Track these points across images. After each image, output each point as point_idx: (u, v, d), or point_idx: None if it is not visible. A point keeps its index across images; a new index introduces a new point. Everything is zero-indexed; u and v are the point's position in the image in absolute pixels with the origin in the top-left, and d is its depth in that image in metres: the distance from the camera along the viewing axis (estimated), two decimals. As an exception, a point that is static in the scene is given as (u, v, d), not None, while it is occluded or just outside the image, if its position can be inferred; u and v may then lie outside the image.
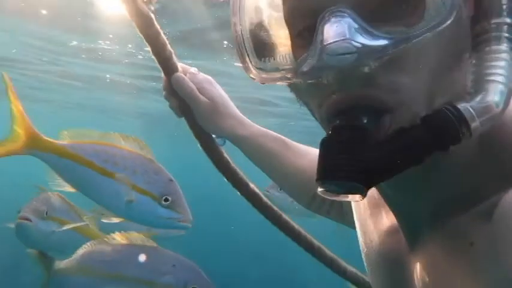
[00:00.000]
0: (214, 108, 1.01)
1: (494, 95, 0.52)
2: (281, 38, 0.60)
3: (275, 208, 1.09)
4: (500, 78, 0.53)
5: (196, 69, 1.04)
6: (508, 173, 0.53)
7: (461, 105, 0.52)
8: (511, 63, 0.53)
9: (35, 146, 1.68)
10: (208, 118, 1.02)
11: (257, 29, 0.61)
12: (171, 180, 1.89)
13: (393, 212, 0.65)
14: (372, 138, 0.52)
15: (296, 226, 1.11)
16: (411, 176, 0.54)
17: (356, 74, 0.51)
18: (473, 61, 0.56)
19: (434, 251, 0.57)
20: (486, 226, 0.50)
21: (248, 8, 0.60)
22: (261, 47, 0.60)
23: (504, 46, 0.54)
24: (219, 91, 1.06)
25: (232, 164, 1.07)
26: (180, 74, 1.00)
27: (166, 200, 1.84)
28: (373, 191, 0.67)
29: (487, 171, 0.55)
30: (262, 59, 0.60)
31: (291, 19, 0.59)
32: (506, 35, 0.54)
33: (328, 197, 0.55)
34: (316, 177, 0.54)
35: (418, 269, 0.60)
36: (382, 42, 0.50)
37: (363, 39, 0.50)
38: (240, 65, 0.61)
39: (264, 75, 0.59)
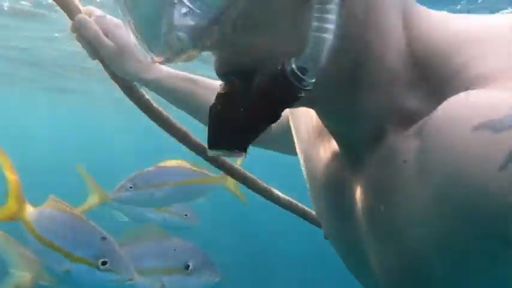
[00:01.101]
0: (120, 52, 0.98)
1: (315, 47, 0.48)
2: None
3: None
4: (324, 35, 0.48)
5: (101, 11, 1.00)
6: (435, 87, 0.52)
7: (288, 67, 0.49)
8: (336, 27, 0.48)
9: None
10: (115, 62, 0.99)
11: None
12: (104, 238, 1.83)
13: (334, 139, 0.65)
14: (240, 103, 0.53)
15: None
16: (339, 106, 0.56)
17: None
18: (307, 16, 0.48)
19: (373, 173, 0.58)
20: (416, 144, 0.50)
21: None
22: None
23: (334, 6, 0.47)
24: (126, 35, 0.98)
25: (155, 105, 1.06)
26: (82, 15, 0.95)
27: (103, 263, 1.79)
28: (317, 121, 0.67)
29: (415, 87, 0.54)
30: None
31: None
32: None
33: (219, 155, 0.59)
34: (207, 144, 0.57)
35: (359, 192, 0.61)
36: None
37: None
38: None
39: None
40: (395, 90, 0.54)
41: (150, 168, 2.59)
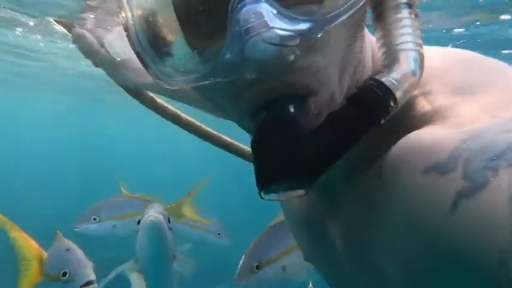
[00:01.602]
0: (116, 61, 1.00)
1: (409, 63, 0.53)
2: (178, 31, 0.54)
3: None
4: (410, 46, 0.54)
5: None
6: (390, 126, 0.53)
7: (383, 78, 0.52)
8: (414, 28, 0.54)
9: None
10: (112, 71, 1.03)
11: (152, 23, 0.54)
12: (67, 249, 1.87)
13: None
14: (304, 128, 0.50)
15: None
16: None
17: (278, 63, 0.47)
18: (380, 32, 0.57)
19: (347, 211, 0.60)
20: (379, 182, 0.52)
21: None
22: (162, 44, 0.54)
23: (404, 12, 0.55)
24: (121, 45, 1.03)
25: (159, 100, 1.08)
26: (77, 29, 1.01)
27: (64, 274, 1.81)
28: None
29: (379, 127, 0.54)
30: (164, 60, 0.54)
31: (187, 7, 0.52)
32: (403, 0, 0.55)
33: (273, 199, 0.53)
34: (258, 183, 0.51)
35: (335, 227, 0.63)
36: (304, 26, 0.48)
37: (285, 25, 0.47)
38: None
39: (176, 79, 0.53)
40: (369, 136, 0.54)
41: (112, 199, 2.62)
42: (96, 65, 1.04)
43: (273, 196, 0.52)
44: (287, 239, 2.05)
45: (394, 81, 0.52)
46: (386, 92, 0.51)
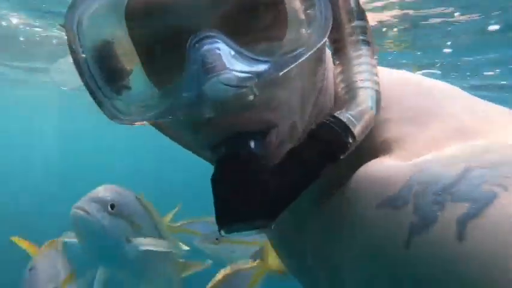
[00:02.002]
0: None
1: (367, 100, 0.55)
2: (134, 65, 0.53)
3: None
4: (367, 84, 0.55)
5: None
6: (357, 150, 0.54)
7: (341, 115, 0.53)
8: (371, 66, 0.56)
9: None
10: None
11: (105, 57, 0.52)
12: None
13: None
14: (264, 163, 0.51)
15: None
16: None
17: (236, 102, 0.49)
18: (339, 67, 0.58)
19: (314, 233, 0.61)
20: (342, 207, 0.53)
21: (90, 31, 0.51)
22: (117, 78, 0.53)
23: (363, 49, 0.56)
24: None
25: None
26: None
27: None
28: None
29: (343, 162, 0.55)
30: (120, 95, 0.53)
31: (143, 45, 0.52)
32: (362, 37, 0.57)
33: (235, 236, 0.53)
34: (217, 222, 0.51)
35: (307, 248, 0.64)
36: (262, 67, 0.49)
37: (243, 67, 0.48)
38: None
39: (132, 116, 0.52)
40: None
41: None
42: None
43: (234, 233, 0.51)
44: None
45: (353, 119, 0.53)
46: (345, 129, 0.52)
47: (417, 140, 0.53)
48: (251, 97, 0.48)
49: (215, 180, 0.52)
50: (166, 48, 0.51)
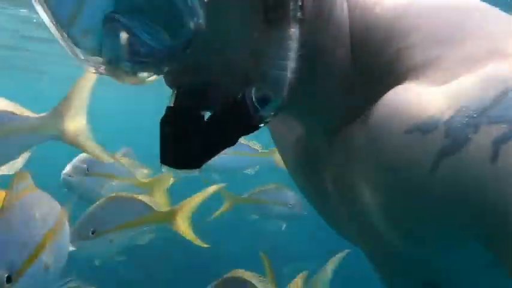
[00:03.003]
0: None
1: (273, 85, 0.52)
2: None
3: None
4: (285, 72, 0.51)
5: None
6: (371, 82, 0.54)
7: (248, 97, 0.52)
8: (295, 52, 0.51)
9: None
10: None
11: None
12: None
13: (299, 126, 0.69)
14: (195, 121, 0.53)
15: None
16: (298, 101, 0.55)
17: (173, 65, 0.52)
18: (266, 38, 0.52)
19: (334, 161, 0.61)
20: (365, 131, 0.52)
21: None
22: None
23: (294, 30, 0.51)
24: None
25: None
26: None
27: None
28: None
29: (358, 82, 0.56)
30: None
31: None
32: (299, 15, 0.51)
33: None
34: (160, 159, 0.55)
35: (326, 175, 0.64)
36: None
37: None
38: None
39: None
40: (345, 85, 0.56)
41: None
42: None
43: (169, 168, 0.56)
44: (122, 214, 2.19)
45: (254, 99, 0.51)
46: (255, 111, 0.52)
47: (448, 62, 0.49)
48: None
49: (160, 123, 0.55)
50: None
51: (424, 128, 0.45)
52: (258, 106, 0.51)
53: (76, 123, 1.54)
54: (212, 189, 2.36)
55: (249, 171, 3.32)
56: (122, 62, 0.50)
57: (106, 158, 1.79)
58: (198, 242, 2.24)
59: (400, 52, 0.52)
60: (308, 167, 0.70)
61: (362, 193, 0.54)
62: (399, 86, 0.50)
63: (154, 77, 0.53)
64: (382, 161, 0.49)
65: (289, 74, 0.50)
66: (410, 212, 0.49)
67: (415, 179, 0.45)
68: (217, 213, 3.17)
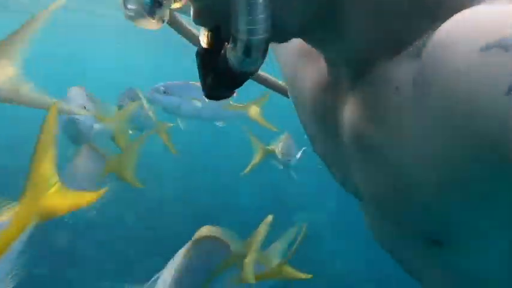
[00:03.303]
0: None
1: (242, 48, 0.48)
2: None
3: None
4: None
5: None
6: (433, 7, 0.47)
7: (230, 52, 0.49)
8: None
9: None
10: None
11: None
12: None
13: (324, 61, 0.62)
14: (212, 58, 0.53)
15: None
16: (324, 32, 0.53)
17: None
18: None
19: (362, 100, 0.55)
20: (412, 67, 0.46)
21: None
22: None
23: None
24: None
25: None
26: None
27: None
28: (301, 42, 0.62)
29: (410, 9, 0.49)
30: None
31: None
32: None
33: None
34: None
35: (347, 117, 0.58)
36: None
37: None
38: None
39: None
40: (386, 10, 0.49)
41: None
42: None
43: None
44: None
45: (233, 60, 0.49)
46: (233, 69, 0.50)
47: None
48: None
49: (196, 55, 0.56)
50: None
51: (502, 46, 0.38)
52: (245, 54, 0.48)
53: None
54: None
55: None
56: None
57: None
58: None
59: None
60: (325, 111, 0.63)
61: (399, 125, 0.49)
62: (466, 9, 0.44)
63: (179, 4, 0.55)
64: (443, 89, 0.42)
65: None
66: (469, 148, 0.42)
67: (485, 100, 0.39)
68: (250, 166, 3.16)
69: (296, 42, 0.64)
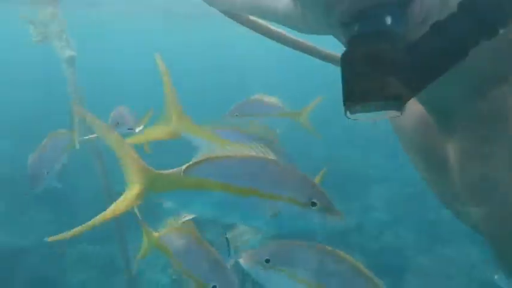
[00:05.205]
0: None
1: None
2: None
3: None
4: None
5: None
6: None
7: None
8: None
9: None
10: None
11: None
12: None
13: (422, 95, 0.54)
14: (402, 42, 0.45)
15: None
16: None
17: None
18: None
19: (470, 134, 0.54)
20: None
21: None
22: None
23: None
24: None
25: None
26: None
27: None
28: None
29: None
30: None
31: None
32: None
33: (361, 119, 0.48)
34: (344, 102, 0.47)
35: (453, 153, 0.58)
36: None
37: None
38: None
39: None
40: (497, 44, 0.47)
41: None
42: None
43: (360, 116, 0.47)
44: None
45: None
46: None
47: None
48: None
49: (345, 59, 0.48)
50: None
51: None
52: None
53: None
54: None
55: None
56: None
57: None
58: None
59: None
60: (430, 144, 0.64)
61: (498, 163, 0.51)
62: None
63: None
64: None
65: None
66: None
67: None
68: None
69: None
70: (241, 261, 1.35)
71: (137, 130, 2.34)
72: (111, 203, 0.94)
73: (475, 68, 0.50)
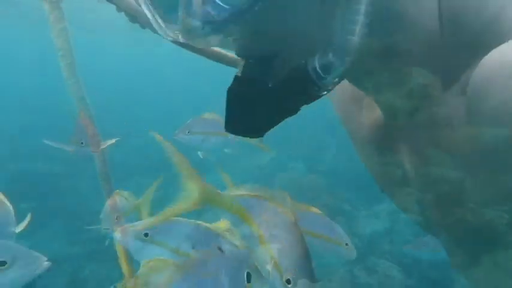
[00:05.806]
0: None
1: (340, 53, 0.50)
2: None
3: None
4: (354, 37, 0.49)
5: None
6: (467, 43, 0.52)
7: (311, 65, 0.51)
8: (365, 16, 0.49)
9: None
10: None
11: None
12: None
13: (377, 104, 0.66)
14: (263, 88, 0.53)
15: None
16: (375, 78, 0.56)
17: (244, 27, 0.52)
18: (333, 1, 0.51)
19: (418, 135, 0.59)
20: (461, 103, 0.51)
21: None
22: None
23: None
24: None
25: None
26: None
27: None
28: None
29: (450, 46, 0.53)
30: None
31: None
32: None
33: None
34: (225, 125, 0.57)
35: (406, 155, 0.63)
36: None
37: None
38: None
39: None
40: (432, 52, 0.53)
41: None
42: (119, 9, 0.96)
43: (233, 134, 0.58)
44: None
45: (318, 69, 0.50)
46: (308, 79, 0.51)
47: None
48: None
49: (227, 92, 0.55)
50: None
51: None
52: (321, 73, 0.50)
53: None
54: None
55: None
56: (193, 21, 0.49)
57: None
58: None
59: (500, 11, 0.51)
60: (383, 145, 0.67)
61: (448, 165, 0.55)
62: (503, 44, 0.49)
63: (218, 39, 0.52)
64: (495, 118, 0.47)
65: (357, 39, 0.48)
66: None
67: None
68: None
69: (348, 88, 0.68)
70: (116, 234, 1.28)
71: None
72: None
73: (411, 76, 0.55)
